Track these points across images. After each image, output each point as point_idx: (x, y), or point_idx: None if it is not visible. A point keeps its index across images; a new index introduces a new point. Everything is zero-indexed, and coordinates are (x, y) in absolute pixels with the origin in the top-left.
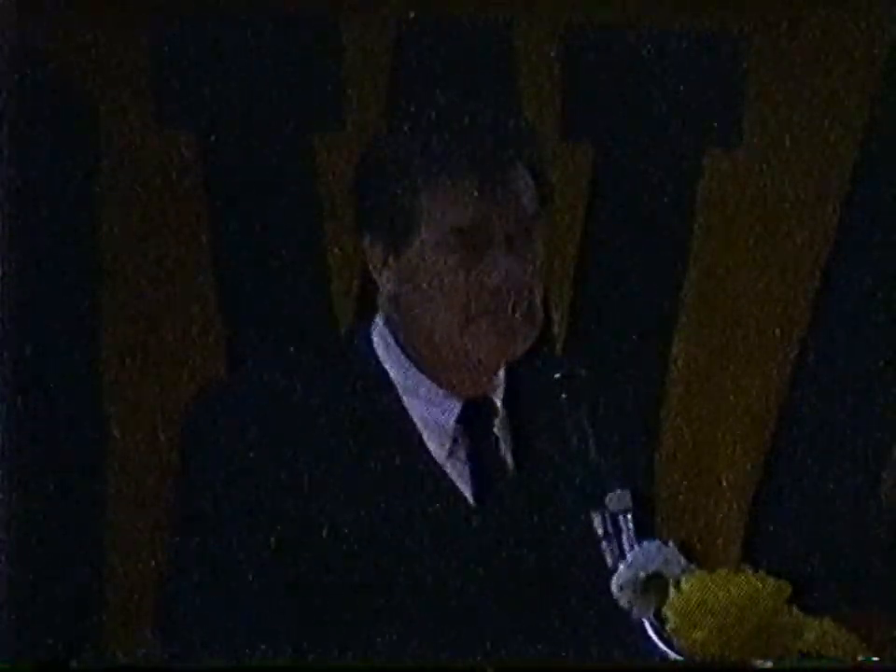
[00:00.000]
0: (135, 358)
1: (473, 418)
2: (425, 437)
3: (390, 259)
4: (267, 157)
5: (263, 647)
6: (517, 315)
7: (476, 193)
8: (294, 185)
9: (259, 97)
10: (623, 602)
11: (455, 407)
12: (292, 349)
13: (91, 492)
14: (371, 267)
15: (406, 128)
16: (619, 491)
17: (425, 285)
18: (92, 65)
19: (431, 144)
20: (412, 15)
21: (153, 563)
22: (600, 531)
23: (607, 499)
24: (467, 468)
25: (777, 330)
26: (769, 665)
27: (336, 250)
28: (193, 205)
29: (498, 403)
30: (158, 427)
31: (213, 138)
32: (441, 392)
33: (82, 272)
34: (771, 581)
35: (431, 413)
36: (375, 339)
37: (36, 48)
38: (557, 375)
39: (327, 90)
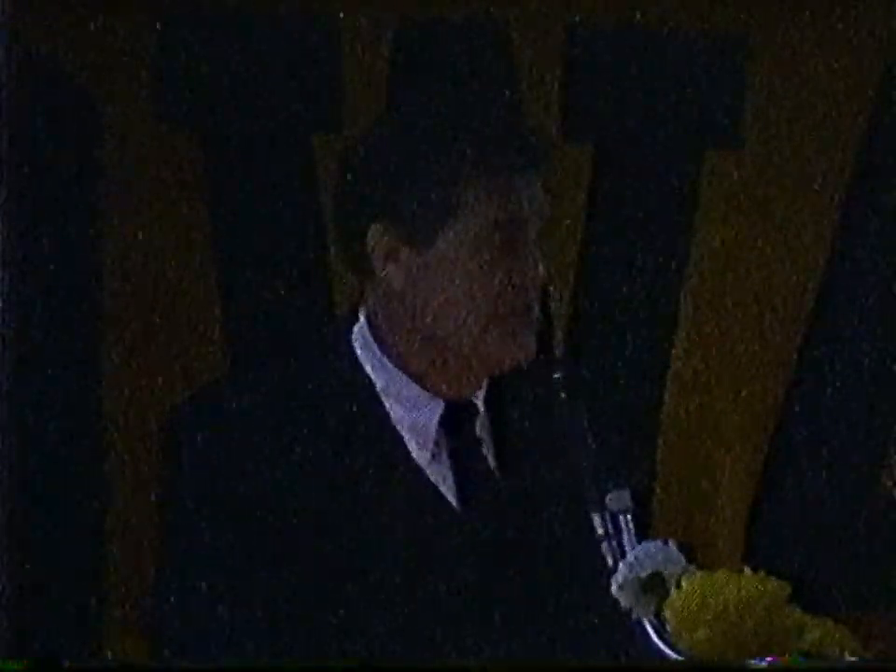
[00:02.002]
0: (135, 358)
1: (455, 420)
2: (406, 440)
3: (402, 252)
4: (267, 157)
5: (252, 648)
6: (536, 315)
7: (515, 187)
8: (294, 185)
9: (259, 97)
10: (623, 602)
11: (438, 409)
12: (282, 350)
13: (89, 492)
14: (374, 259)
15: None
16: (619, 491)
17: (450, 279)
18: (92, 64)
19: (466, 137)
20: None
21: (149, 564)
22: (600, 531)
23: (607, 499)
24: (450, 471)
25: (778, 330)
26: (768, 665)
27: (336, 250)
28: (193, 205)
29: (479, 404)
30: (157, 428)
31: (213, 138)
32: (423, 394)
33: (82, 270)
34: (771, 581)
35: (413, 416)
36: (356, 340)
37: (36, 47)
38: (557, 375)
39: (327, 90)
